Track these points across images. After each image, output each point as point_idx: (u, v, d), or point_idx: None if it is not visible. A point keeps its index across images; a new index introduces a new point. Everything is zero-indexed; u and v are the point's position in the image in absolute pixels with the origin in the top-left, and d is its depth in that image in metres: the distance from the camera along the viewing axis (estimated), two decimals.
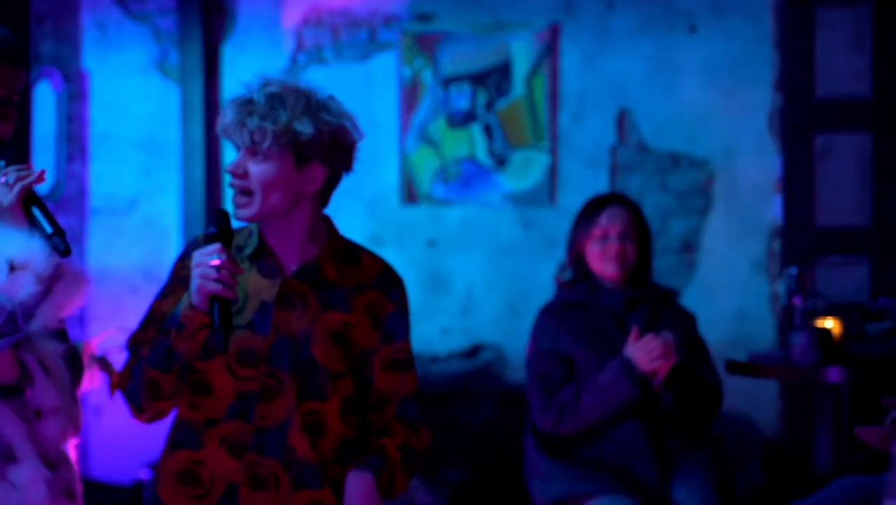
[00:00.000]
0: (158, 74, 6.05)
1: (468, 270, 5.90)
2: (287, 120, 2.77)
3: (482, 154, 5.88)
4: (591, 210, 4.30)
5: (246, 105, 2.79)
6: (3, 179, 2.63)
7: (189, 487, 2.85)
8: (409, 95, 5.92)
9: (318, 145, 2.80)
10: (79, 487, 2.71)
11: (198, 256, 2.72)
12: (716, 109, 5.77)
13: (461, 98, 5.89)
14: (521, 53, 5.85)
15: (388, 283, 2.92)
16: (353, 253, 2.94)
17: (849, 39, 5.64)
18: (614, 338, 4.16)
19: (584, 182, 5.74)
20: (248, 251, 2.88)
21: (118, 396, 2.88)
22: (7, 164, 2.65)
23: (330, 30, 5.98)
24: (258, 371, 2.82)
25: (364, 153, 2.91)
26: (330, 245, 2.90)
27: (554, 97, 5.84)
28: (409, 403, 2.91)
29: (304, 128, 2.77)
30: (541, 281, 5.75)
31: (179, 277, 2.86)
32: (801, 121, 5.67)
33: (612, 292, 4.25)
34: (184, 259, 2.88)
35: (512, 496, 5.37)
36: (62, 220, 2.74)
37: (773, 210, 5.74)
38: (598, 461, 4.10)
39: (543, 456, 4.17)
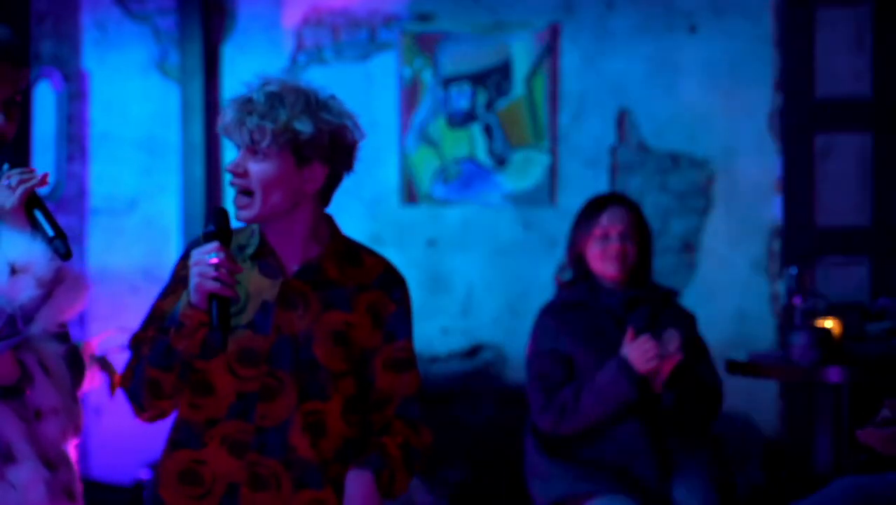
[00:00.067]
0: (158, 74, 6.04)
1: (468, 270, 5.89)
2: (286, 119, 2.76)
3: (482, 154, 5.88)
4: (592, 210, 4.30)
5: (246, 104, 2.79)
6: (5, 182, 2.62)
7: (190, 486, 2.85)
8: (409, 95, 5.91)
9: (318, 144, 2.79)
10: (79, 488, 2.71)
11: (196, 254, 2.72)
12: (716, 109, 5.76)
13: (461, 98, 5.89)
14: (521, 53, 5.84)
15: (390, 282, 2.92)
16: (355, 252, 2.93)
17: (849, 39, 5.64)
18: (614, 338, 4.15)
19: (584, 182, 5.74)
20: (249, 251, 2.88)
21: (118, 395, 2.88)
22: (9, 166, 2.65)
23: (330, 30, 5.98)
24: (259, 371, 2.82)
25: (364, 153, 2.90)
26: (332, 245, 2.90)
27: (554, 97, 5.84)
28: (410, 402, 2.91)
29: (304, 127, 2.77)
30: (541, 281, 5.74)
31: (180, 276, 2.85)
32: (801, 121, 5.66)
33: (613, 292, 4.25)
34: (185, 259, 2.87)
35: (512, 496, 5.37)
36: (62, 220, 2.74)
37: (773, 210, 5.73)
38: (598, 461, 4.10)
39: (543, 456, 4.17)
